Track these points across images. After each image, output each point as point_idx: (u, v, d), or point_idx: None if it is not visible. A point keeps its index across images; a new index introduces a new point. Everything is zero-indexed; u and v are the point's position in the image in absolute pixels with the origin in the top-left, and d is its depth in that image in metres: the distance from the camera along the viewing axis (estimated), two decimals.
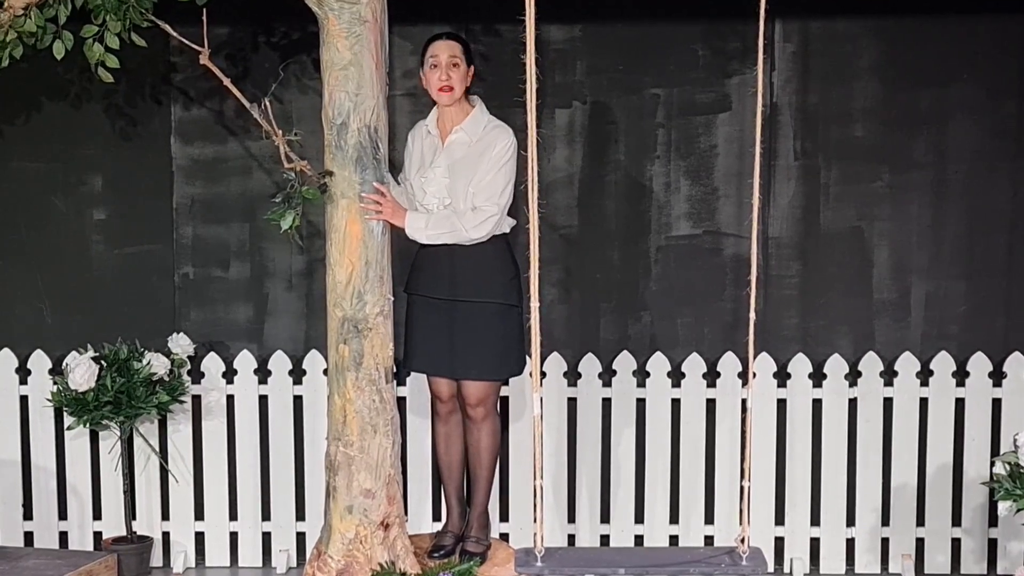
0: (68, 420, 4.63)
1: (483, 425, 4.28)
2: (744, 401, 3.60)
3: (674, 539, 4.81)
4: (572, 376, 4.80)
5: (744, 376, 4.70)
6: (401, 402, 4.59)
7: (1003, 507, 4.03)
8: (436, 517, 4.80)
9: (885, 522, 4.77)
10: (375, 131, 3.97)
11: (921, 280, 4.79)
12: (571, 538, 4.83)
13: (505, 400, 4.74)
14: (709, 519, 4.80)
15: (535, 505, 3.24)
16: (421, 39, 4.27)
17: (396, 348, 4.15)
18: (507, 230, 4.22)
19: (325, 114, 3.98)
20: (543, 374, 4.71)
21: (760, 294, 4.73)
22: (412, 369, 4.35)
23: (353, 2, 3.88)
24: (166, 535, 4.90)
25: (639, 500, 4.81)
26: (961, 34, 4.68)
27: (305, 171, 3.99)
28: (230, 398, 4.87)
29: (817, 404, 4.75)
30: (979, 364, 4.69)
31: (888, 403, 4.73)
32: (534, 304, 3.19)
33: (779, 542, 4.80)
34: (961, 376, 4.71)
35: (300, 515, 4.87)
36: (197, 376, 4.86)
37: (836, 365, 4.73)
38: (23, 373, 4.86)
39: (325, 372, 4.34)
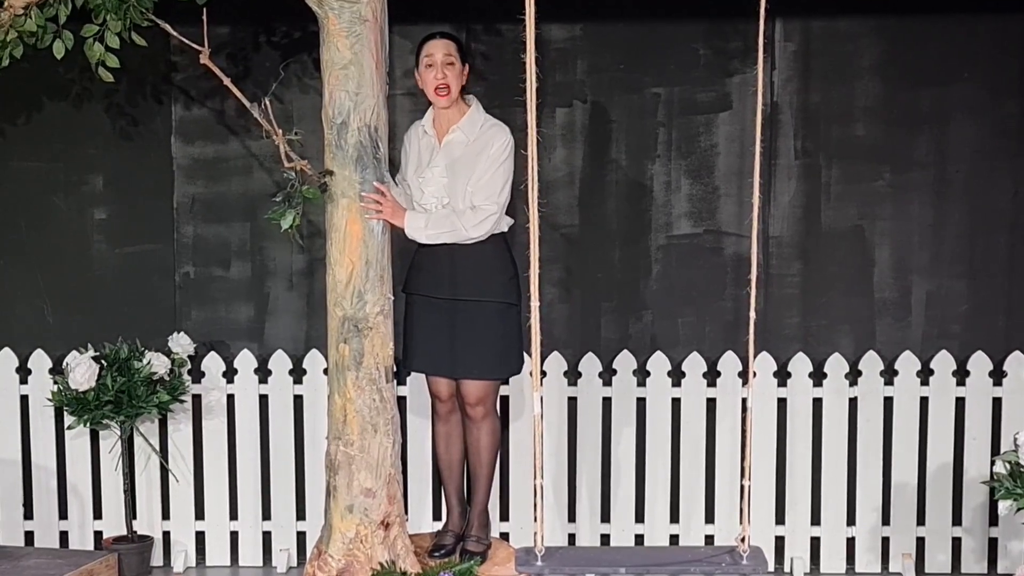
0: (68, 419, 4.63)
1: (483, 424, 4.28)
2: (744, 400, 3.60)
3: (674, 538, 4.81)
4: (572, 375, 4.80)
5: (744, 375, 4.69)
6: (401, 402, 4.59)
7: (1003, 506, 4.02)
8: (436, 516, 4.81)
9: (885, 521, 4.77)
10: (375, 130, 3.97)
11: (922, 279, 4.79)
12: (571, 537, 4.83)
13: (505, 399, 4.74)
14: (709, 518, 4.80)
15: (535, 504, 3.24)
16: (421, 39, 4.27)
17: (396, 347, 4.15)
18: (505, 229, 4.22)
19: (325, 113, 3.98)
20: (543, 373, 4.71)
21: (761, 293, 4.74)
22: (412, 369, 4.35)
23: (353, 1, 3.88)
24: (167, 534, 4.90)
25: (639, 499, 4.81)
26: (962, 33, 4.68)
27: (305, 170, 3.99)
28: (230, 397, 4.87)
29: (817, 403, 4.75)
30: (979, 363, 4.69)
31: (888, 402, 4.73)
32: (534, 303, 3.19)
33: (779, 541, 4.80)
34: (962, 375, 4.71)
35: (300, 514, 4.87)
36: (198, 375, 4.86)
37: (836, 364, 4.73)
38: (23, 372, 4.86)
39: (325, 371, 4.34)
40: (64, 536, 4.89)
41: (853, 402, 4.74)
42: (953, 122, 4.72)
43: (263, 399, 4.86)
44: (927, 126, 4.73)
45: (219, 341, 4.91)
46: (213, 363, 4.85)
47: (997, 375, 4.70)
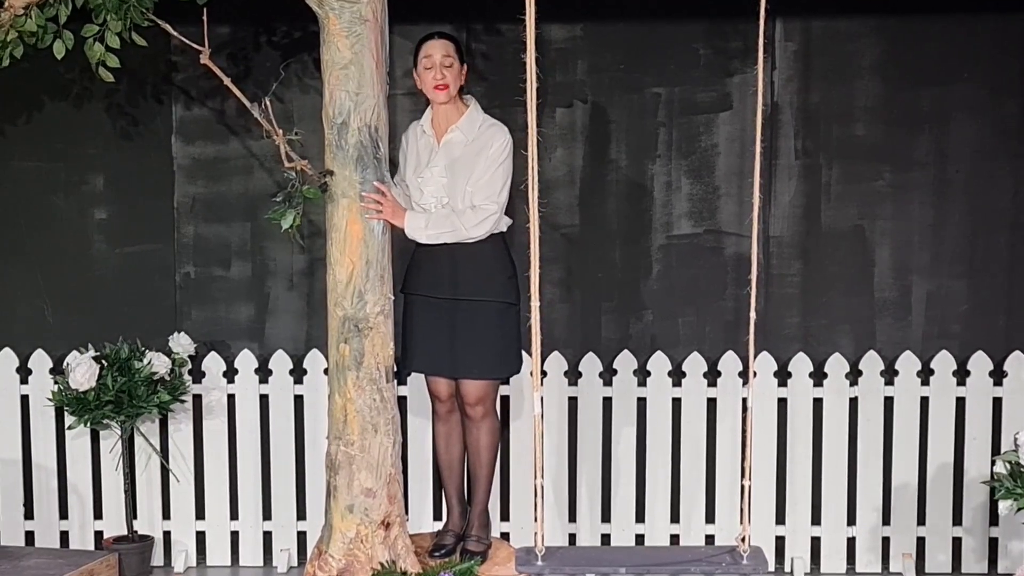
0: (69, 419, 4.63)
1: (482, 424, 4.28)
2: (745, 400, 3.60)
3: (675, 538, 4.81)
4: (573, 375, 4.80)
5: (745, 375, 4.70)
6: (401, 402, 4.59)
7: (1004, 506, 4.02)
8: (437, 516, 4.81)
9: (886, 521, 4.77)
10: (375, 130, 3.97)
11: (922, 279, 4.79)
12: (572, 537, 4.83)
13: (505, 399, 4.74)
14: (710, 518, 4.80)
15: (536, 504, 3.24)
16: (419, 39, 4.27)
17: (396, 347, 4.15)
18: (504, 229, 4.22)
19: (326, 113, 3.98)
20: (544, 373, 4.71)
21: (761, 293, 4.74)
22: (412, 369, 4.35)
23: (353, 1, 3.88)
24: (167, 534, 4.90)
25: (640, 499, 4.81)
26: (962, 33, 4.68)
27: (306, 170, 4.00)
28: (231, 397, 4.87)
29: (818, 403, 4.75)
30: (980, 363, 4.69)
31: (889, 402, 4.73)
32: (534, 303, 3.19)
33: (780, 541, 4.80)
34: (962, 375, 4.71)
35: (301, 514, 4.87)
36: (198, 375, 4.86)
37: (837, 364, 4.73)
38: (24, 372, 4.86)
39: (326, 371, 4.34)
40: (64, 536, 4.89)
41: (853, 402, 4.74)
42: (953, 122, 4.72)
43: (263, 399, 4.86)
44: (927, 126, 4.73)
45: (219, 341, 4.91)
46: (213, 363, 4.85)
47: (997, 375, 4.70)
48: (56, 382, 4.68)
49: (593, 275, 4.85)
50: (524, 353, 4.31)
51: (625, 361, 4.77)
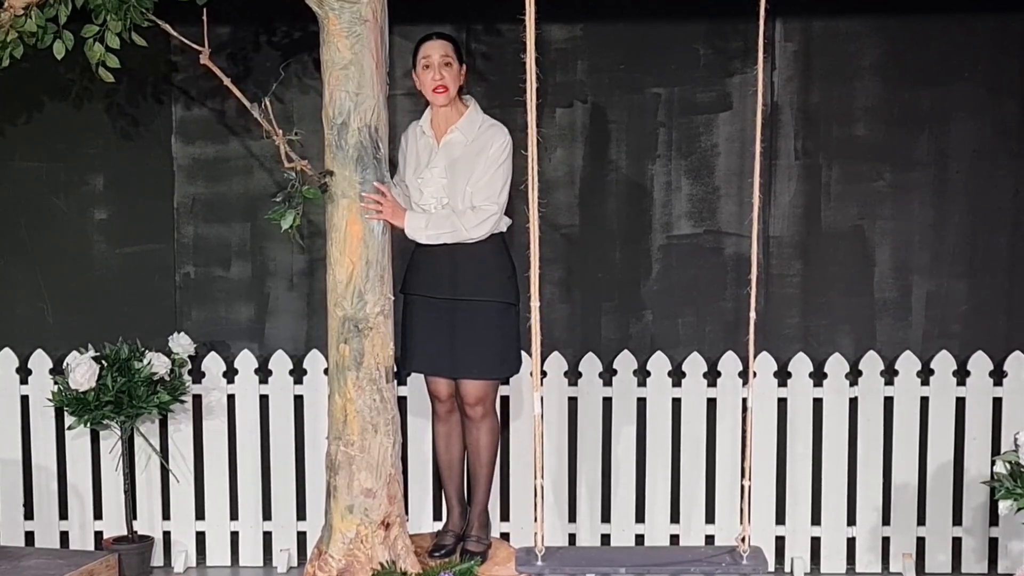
0: (69, 420, 4.63)
1: (482, 424, 4.28)
2: (745, 400, 3.60)
3: (675, 538, 4.81)
4: (573, 375, 4.80)
5: (745, 375, 4.70)
6: (401, 402, 4.59)
7: (1004, 506, 4.02)
8: (437, 516, 4.81)
9: (886, 521, 4.77)
10: (375, 130, 3.97)
11: (922, 279, 4.79)
12: (572, 537, 4.83)
13: (505, 399, 4.74)
14: (710, 518, 4.80)
15: (536, 504, 3.24)
16: (418, 39, 4.27)
17: (395, 347, 4.15)
18: (504, 229, 4.22)
19: (325, 113, 3.98)
20: (544, 373, 4.71)
21: (761, 293, 4.74)
22: (412, 369, 4.35)
23: (353, 2, 3.88)
24: (167, 535, 4.90)
25: (640, 499, 4.81)
26: (962, 33, 4.68)
27: (306, 170, 4.00)
28: (231, 398, 4.87)
29: (818, 403, 4.75)
30: (980, 363, 4.69)
31: (889, 402, 4.73)
32: (534, 303, 3.19)
33: (780, 541, 4.80)
34: (962, 375, 4.71)
35: (301, 514, 4.87)
36: (198, 376, 4.86)
37: (837, 364, 4.73)
38: (24, 373, 4.86)
39: (326, 371, 4.34)
40: (64, 536, 4.89)
41: (853, 402, 4.74)
42: (953, 122, 4.72)
43: (263, 399, 4.86)
44: (927, 126, 4.73)
45: (219, 341, 4.91)
46: (213, 363, 4.85)
47: (997, 375, 4.70)
48: (56, 382, 4.68)
49: (593, 275, 4.85)
50: (524, 353, 4.31)
51: (625, 361, 4.77)
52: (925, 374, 4.71)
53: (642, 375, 4.78)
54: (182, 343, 4.78)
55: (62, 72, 4.70)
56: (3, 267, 4.91)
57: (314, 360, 4.80)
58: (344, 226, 4.00)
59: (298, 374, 4.84)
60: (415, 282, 4.25)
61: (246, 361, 4.84)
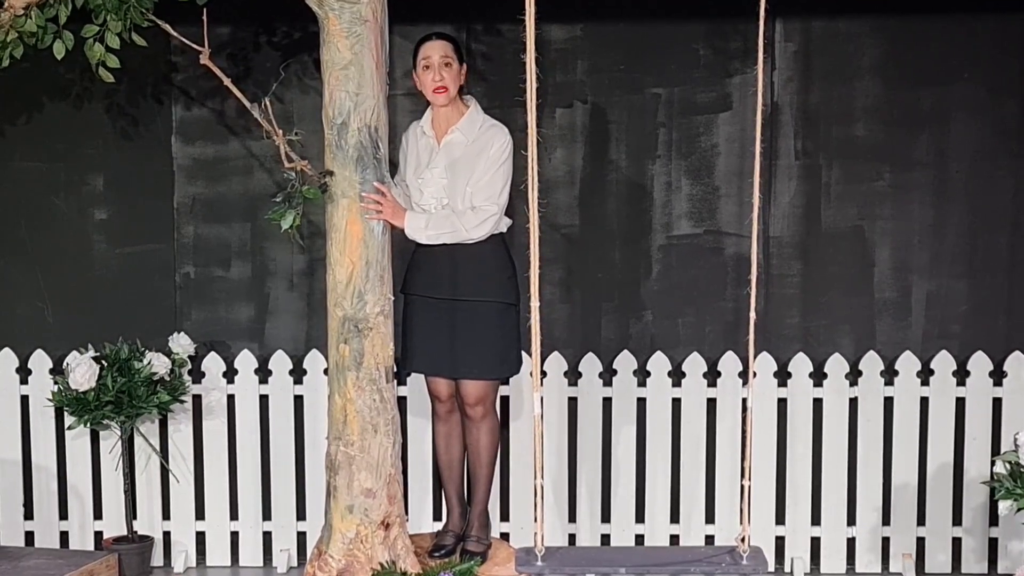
0: (69, 420, 4.63)
1: (482, 424, 4.28)
2: (745, 400, 3.60)
3: (675, 538, 4.81)
4: (573, 375, 4.80)
5: (744, 375, 4.70)
6: (401, 402, 4.59)
7: (1004, 506, 4.02)
8: (437, 516, 4.81)
9: (886, 521, 4.77)
10: (375, 131, 3.97)
11: (922, 279, 4.79)
12: (571, 537, 4.83)
13: (505, 399, 4.74)
14: (710, 518, 4.80)
15: (536, 504, 3.24)
16: (418, 39, 4.27)
17: (395, 347, 4.15)
18: (504, 229, 4.22)
19: (325, 114, 3.98)
20: (543, 373, 4.71)
21: (761, 293, 4.74)
22: (412, 369, 4.35)
23: (353, 2, 3.88)
24: (167, 535, 4.90)
25: (640, 499, 4.81)
26: (962, 33, 4.68)
27: (306, 171, 4.00)
28: (231, 398, 4.87)
29: (818, 403, 4.75)
30: (980, 363, 4.69)
31: (889, 402, 4.73)
32: (534, 303, 3.19)
33: (780, 541, 4.80)
34: (962, 375, 4.71)
35: (301, 515, 4.87)
36: (198, 376, 4.86)
37: (837, 364, 4.73)
38: (24, 373, 4.86)
39: (326, 372, 4.34)
40: (64, 536, 4.89)
41: (853, 402, 4.74)
42: (953, 122, 4.72)
43: (263, 399, 4.86)
44: (927, 126, 4.73)
45: (219, 341, 4.91)
46: (213, 363, 4.85)
47: (997, 375, 4.70)
48: (56, 382, 4.69)
49: (593, 275, 4.85)
50: (524, 353, 4.31)
51: (625, 361, 4.77)
52: (925, 374, 4.71)
53: (642, 375, 4.78)
54: (182, 343, 4.78)
55: (62, 72, 4.70)
56: (3, 267, 4.91)
57: (314, 360, 4.80)
58: (344, 226, 4.00)
59: (298, 374, 4.84)
60: (415, 282, 4.25)
61: (246, 361, 4.84)
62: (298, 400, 4.85)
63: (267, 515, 4.89)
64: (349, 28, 3.89)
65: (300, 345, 4.89)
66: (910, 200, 4.76)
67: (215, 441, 4.86)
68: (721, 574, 3.32)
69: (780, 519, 4.79)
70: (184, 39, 4.06)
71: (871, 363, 4.72)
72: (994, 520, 4.69)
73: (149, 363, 4.61)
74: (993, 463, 4.19)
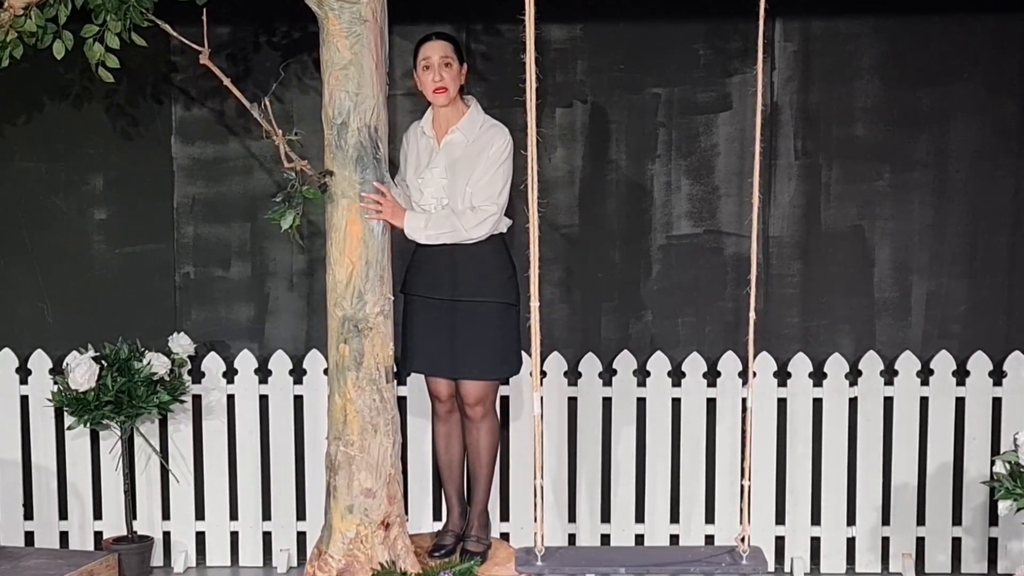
0: (69, 420, 4.63)
1: (482, 424, 4.28)
2: (744, 400, 3.59)
3: (675, 538, 4.81)
4: (572, 375, 4.80)
5: (744, 375, 4.70)
6: (401, 402, 4.59)
7: (1003, 506, 4.02)
8: (437, 516, 4.81)
9: (886, 521, 4.77)
10: (375, 130, 3.97)
11: (922, 279, 4.79)
12: (571, 537, 4.83)
13: (505, 399, 4.74)
14: (710, 518, 4.80)
15: (535, 504, 3.24)
16: (418, 39, 4.27)
17: (395, 347, 4.15)
18: (504, 229, 4.22)
19: (325, 114, 3.98)
20: (543, 373, 4.71)
21: (761, 293, 4.74)
22: (412, 370, 4.35)
23: (353, 2, 3.88)
24: (167, 535, 4.90)
25: (639, 499, 4.81)
26: (962, 33, 4.68)
27: (305, 170, 4.00)
28: (231, 398, 4.87)
29: (818, 403, 4.75)
30: (979, 363, 4.69)
31: (888, 402, 4.73)
32: (534, 303, 3.19)
33: (779, 541, 4.80)
34: (961, 375, 4.71)
35: (301, 515, 4.87)
36: (198, 376, 4.86)
37: (836, 364, 4.73)
38: (24, 373, 4.86)
39: (326, 372, 4.34)
40: (64, 536, 4.89)
41: (853, 402, 4.74)
42: (953, 122, 4.72)
43: (263, 399, 4.86)
44: (927, 126, 4.73)
45: (219, 341, 4.91)
46: (213, 363, 4.85)
47: (997, 375, 4.70)
48: (56, 382, 4.69)
49: (593, 275, 4.85)
50: (524, 353, 4.32)
51: (625, 361, 4.77)
52: (925, 374, 4.71)
53: (642, 375, 4.78)
54: (182, 343, 4.78)
55: (62, 72, 4.70)
56: (3, 267, 4.91)
57: (314, 360, 4.80)
58: (344, 226, 4.00)
59: (298, 374, 4.84)
60: (415, 282, 4.25)
61: (246, 361, 4.84)
62: (298, 400, 4.85)
63: (267, 515, 4.89)
64: (349, 28, 3.89)
65: (300, 345, 4.89)
66: (910, 200, 4.76)
67: (215, 441, 4.86)
68: (721, 574, 3.32)
69: (780, 519, 4.79)
70: (184, 39, 4.06)
71: (871, 363, 4.72)
72: (994, 520, 4.69)
73: (149, 363, 4.61)
74: (993, 463, 4.19)
